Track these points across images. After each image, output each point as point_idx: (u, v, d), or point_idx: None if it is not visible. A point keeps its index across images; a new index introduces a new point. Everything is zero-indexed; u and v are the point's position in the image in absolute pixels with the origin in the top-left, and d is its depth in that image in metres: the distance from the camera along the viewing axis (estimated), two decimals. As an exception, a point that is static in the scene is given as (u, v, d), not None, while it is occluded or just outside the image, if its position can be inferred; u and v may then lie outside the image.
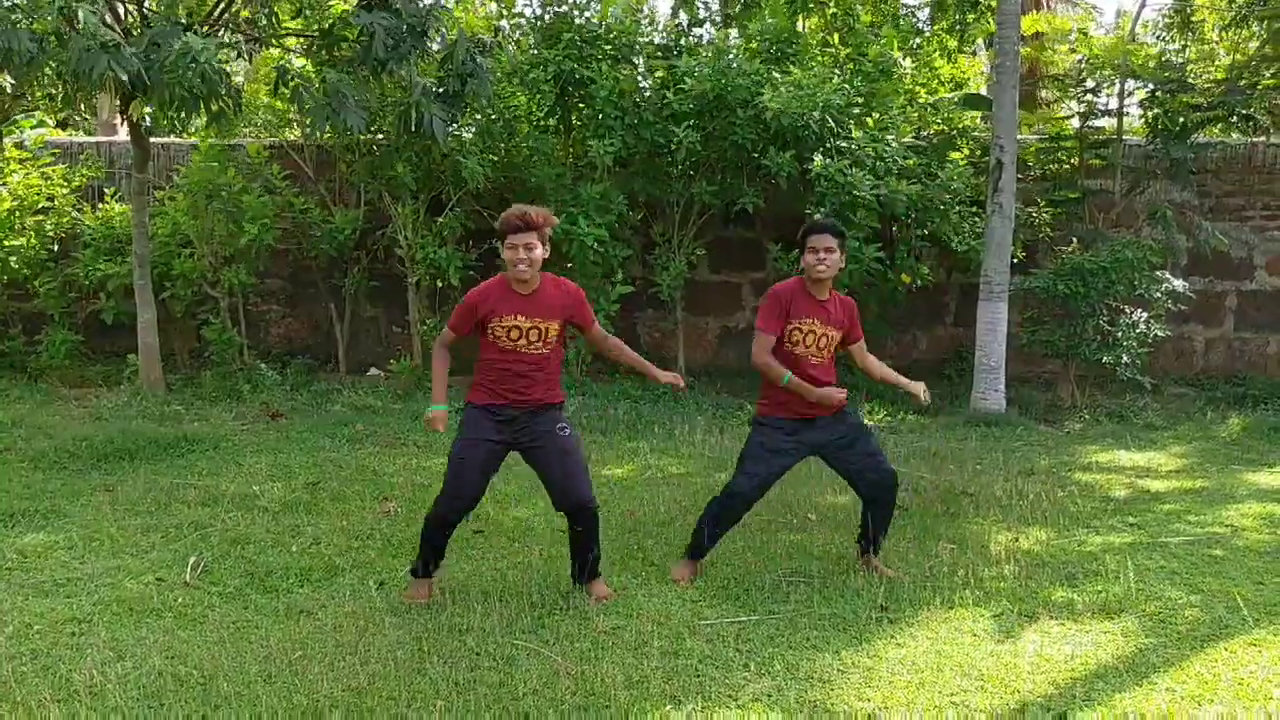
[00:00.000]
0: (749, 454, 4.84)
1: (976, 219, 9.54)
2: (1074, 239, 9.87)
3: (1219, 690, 3.72)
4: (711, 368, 10.82)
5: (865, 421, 5.06)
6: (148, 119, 9.14)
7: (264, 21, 9.33)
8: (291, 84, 8.62)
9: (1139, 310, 9.52)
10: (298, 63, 9.69)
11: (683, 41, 10.11)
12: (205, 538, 5.44)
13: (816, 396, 4.69)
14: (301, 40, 9.72)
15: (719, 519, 4.86)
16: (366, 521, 5.76)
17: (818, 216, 4.88)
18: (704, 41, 10.44)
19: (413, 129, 8.86)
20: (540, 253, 4.39)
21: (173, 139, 11.11)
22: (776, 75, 9.29)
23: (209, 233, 9.88)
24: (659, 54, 10.09)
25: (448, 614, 4.36)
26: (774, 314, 4.75)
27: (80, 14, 7.14)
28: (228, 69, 8.48)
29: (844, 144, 9.15)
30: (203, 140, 10.12)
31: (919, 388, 5.02)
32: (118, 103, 8.94)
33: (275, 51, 10.26)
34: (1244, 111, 9.81)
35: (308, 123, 9.70)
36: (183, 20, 8.55)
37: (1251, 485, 6.85)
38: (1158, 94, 9.91)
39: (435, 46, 9.01)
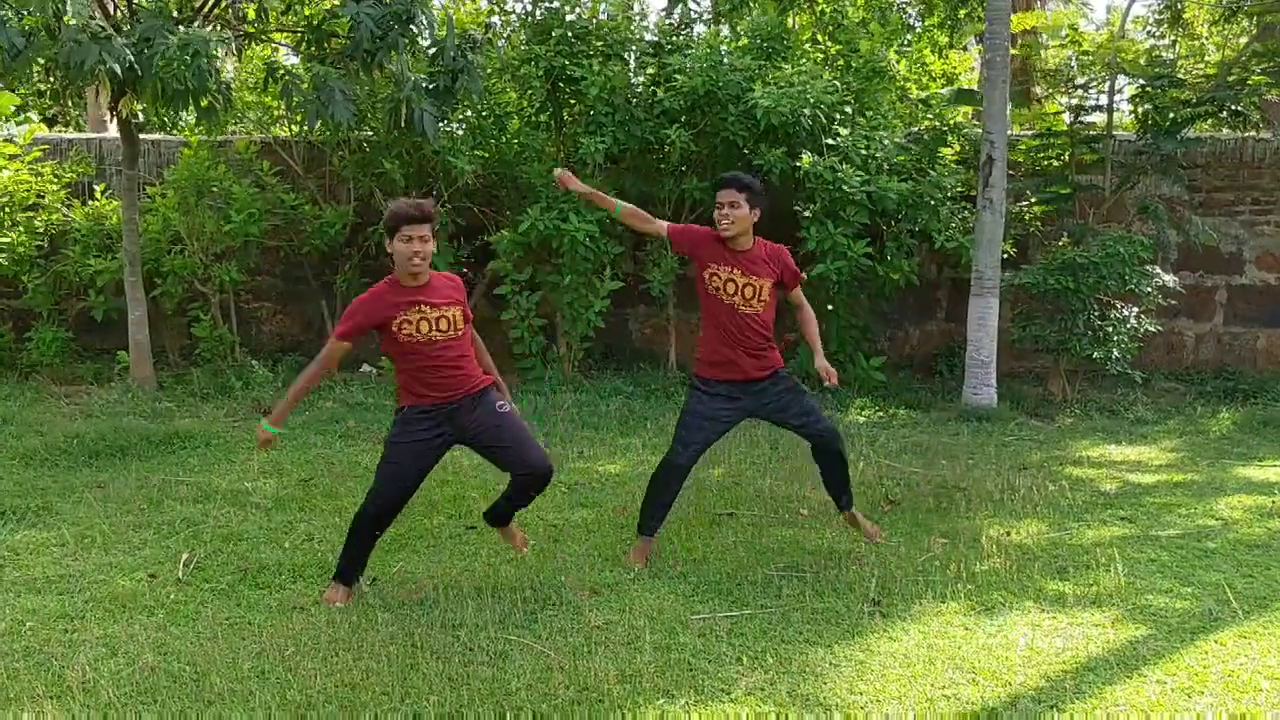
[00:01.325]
0: (686, 424, 4.93)
1: (967, 214, 9.56)
2: (1065, 234, 9.90)
3: (1209, 682, 3.74)
4: (703, 363, 10.81)
5: (799, 383, 5.12)
6: (138, 115, 9.12)
7: (253, 15, 9.30)
8: (281, 79, 8.60)
9: (1129, 305, 9.54)
10: (286, 58, 9.68)
11: (674, 39, 10.10)
12: (197, 534, 5.43)
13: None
14: (290, 36, 9.70)
15: (658, 490, 4.97)
16: (359, 518, 5.75)
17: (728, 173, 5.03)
18: (695, 37, 10.42)
19: (403, 125, 8.85)
20: (433, 246, 4.38)
21: (162, 135, 11.08)
22: (767, 71, 9.29)
23: (199, 229, 9.86)
24: (650, 50, 10.08)
25: (440, 610, 4.36)
26: (684, 233, 5.01)
27: (69, 5, 7.10)
28: (218, 64, 8.45)
29: (834, 141, 9.15)
30: (193, 137, 10.09)
31: (825, 370, 4.95)
32: (108, 98, 8.91)
33: (263, 49, 10.23)
34: (1234, 107, 9.83)
35: (297, 119, 9.69)
36: (173, 15, 8.52)
37: (1242, 479, 6.87)
38: (1148, 89, 9.93)
39: (425, 42, 8.98)
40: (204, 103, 8.07)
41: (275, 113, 10.47)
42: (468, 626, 4.18)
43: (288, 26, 9.65)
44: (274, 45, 9.84)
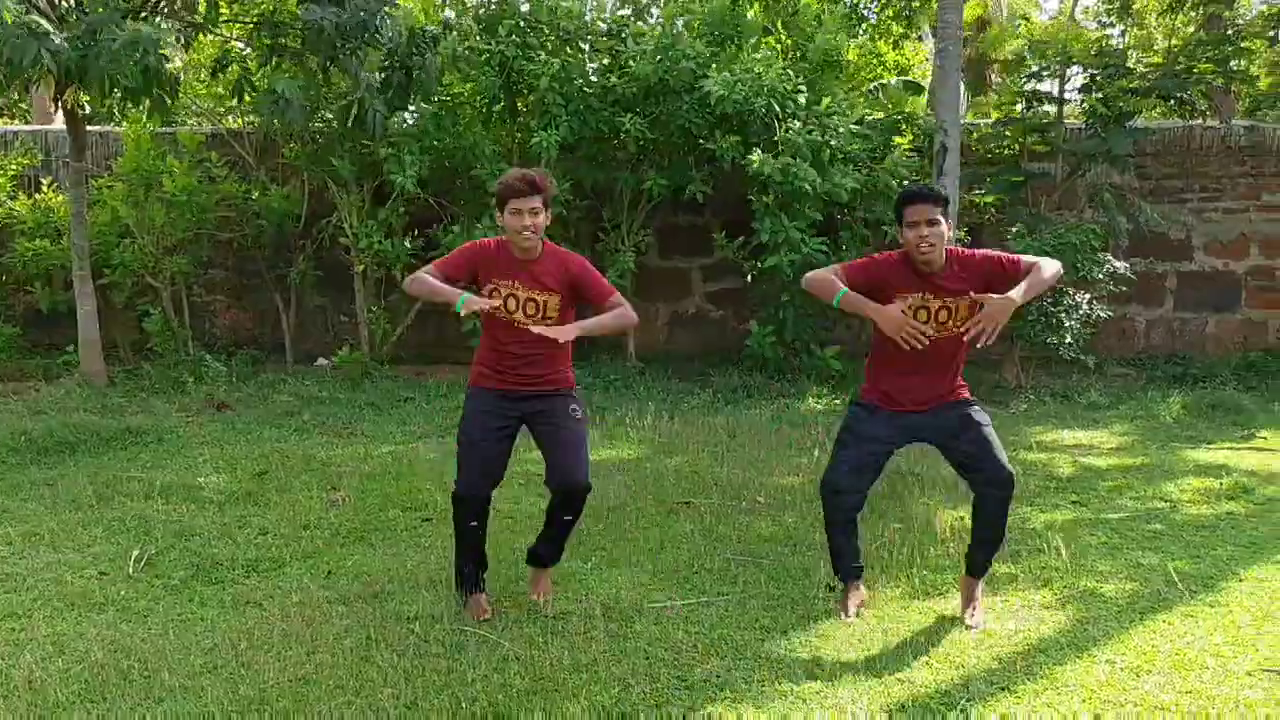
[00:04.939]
0: (837, 439, 4.32)
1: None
2: (1017, 222, 9.98)
3: (1157, 661, 3.80)
4: (662, 354, 10.84)
5: (981, 411, 4.19)
6: (85, 106, 8.96)
7: (203, 7, 9.17)
8: (232, 71, 8.50)
9: (1081, 292, 9.65)
10: (238, 47, 9.54)
11: (628, 27, 10.04)
12: (149, 531, 5.36)
13: (872, 311, 3.95)
14: (241, 29, 9.56)
15: (826, 521, 4.32)
16: (314, 512, 5.70)
17: (909, 185, 3.89)
18: (650, 24, 10.36)
19: (357, 125, 8.77)
20: (545, 219, 4.03)
21: (110, 127, 10.91)
22: (720, 59, 9.27)
23: (149, 223, 9.72)
24: (604, 37, 10.00)
25: (395, 602, 4.34)
26: (860, 268, 4.11)
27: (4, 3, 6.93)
28: (165, 54, 8.32)
29: (789, 129, 9.12)
30: (139, 127, 9.89)
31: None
32: (51, 91, 8.76)
33: (213, 39, 10.09)
34: (1180, 95, 9.96)
35: (251, 110, 9.59)
36: (121, 6, 8.39)
37: (1190, 461, 6.98)
38: (1097, 78, 10.03)
39: (383, 44, 8.88)
40: (153, 94, 7.95)
41: (227, 103, 10.33)
42: (423, 619, 4.15)
43: (239, 18, 9.52)
44: (224, 37, 9.70)
